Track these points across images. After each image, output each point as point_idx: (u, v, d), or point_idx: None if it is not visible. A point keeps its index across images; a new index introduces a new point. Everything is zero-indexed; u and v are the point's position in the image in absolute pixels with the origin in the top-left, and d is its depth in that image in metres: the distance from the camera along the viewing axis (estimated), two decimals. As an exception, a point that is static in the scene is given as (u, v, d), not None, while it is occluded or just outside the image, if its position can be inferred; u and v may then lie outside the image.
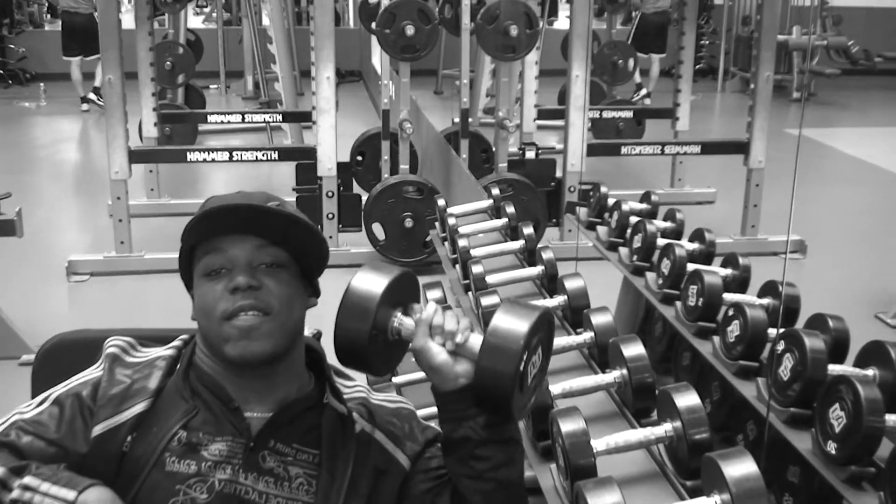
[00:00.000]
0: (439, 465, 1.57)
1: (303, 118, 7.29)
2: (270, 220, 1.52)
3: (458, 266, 2.90)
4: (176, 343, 1.62)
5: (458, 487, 1.50)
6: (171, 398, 1.52)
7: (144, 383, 1.53)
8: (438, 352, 1.43)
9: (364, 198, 5.63)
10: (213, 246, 1.52)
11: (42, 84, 11.99)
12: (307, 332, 1.66)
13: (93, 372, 1.55)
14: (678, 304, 2.69)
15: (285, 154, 5.96)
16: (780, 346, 2.09)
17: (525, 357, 1.36)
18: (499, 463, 1.46)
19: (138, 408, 1.49)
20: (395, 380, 2.29)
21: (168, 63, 8.15)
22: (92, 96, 10.73)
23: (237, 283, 1.49)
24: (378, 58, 6.97)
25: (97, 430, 1.48)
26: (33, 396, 1.55)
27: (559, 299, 2.43)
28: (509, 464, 1.47)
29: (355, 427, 1.57)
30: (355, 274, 1.43)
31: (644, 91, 10.71)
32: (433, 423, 1.65)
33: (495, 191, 3.36)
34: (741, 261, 2.86)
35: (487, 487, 1.47)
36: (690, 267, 2.76)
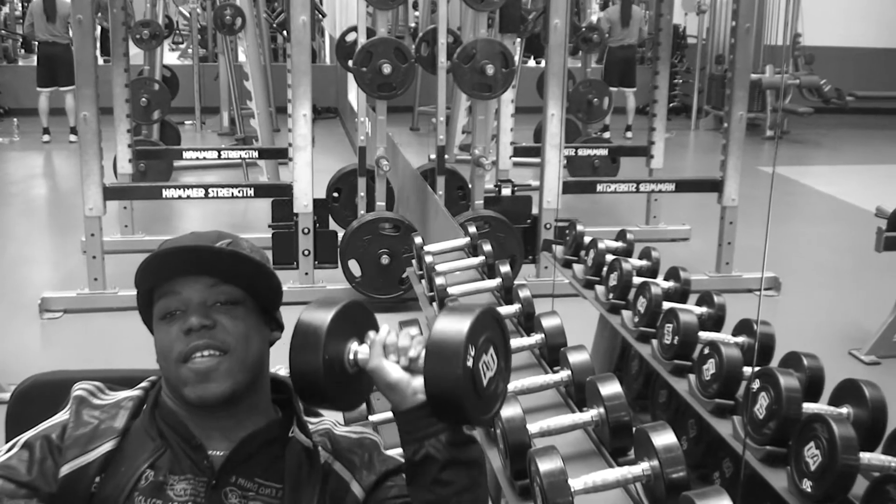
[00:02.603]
0: (398, 495, 1.56)
1: (279, 155, 7.30)
2: (218, 259, 1.54)
3: (435, 304, 2.91)
4: (143, 384, 1.63)
5: None
6: (139, 438, 1.53)
7: (111, 423, 1.53)
8: (393, 369, 1.44)
9: (340, 235, 5.63)
10: (167, 289, 1.53)
11: (15, 119, 11.96)
12: (283, 372, 1.66)
13: (61, 416, 1.56)
14: (654, 342, 2.70)
15: (261, 191, 5.96)
16: (756, 385, 2.10)
17: (471, 356, 1.36)
18: (463, 487, 1.45)
19: (106, 447, 1.50)
20: (372, 418, 2.29)
21: (143, 99, 8.15)
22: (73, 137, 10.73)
23: (190, 324, 1.50)
24: (354, 95, 7.00)
25: (65, 469, 1.48)
26: (8, 439, 1.55)
27: (536, 337, 2.44)
28: (474, 488, 1.46)
29: (320, 459, 1.57)
30: (305, 309, 1.45)
31: (609, 133, 10.82)
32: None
33: (472, 228, 3.37)
34: (716, 299, 2.89)
35: None
36: (666, 305, 2.78)
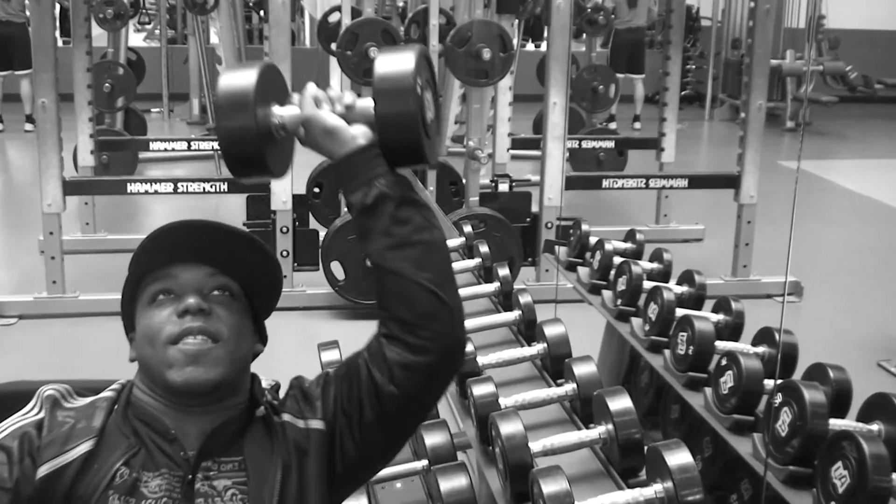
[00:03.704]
0: (341, 382, 1.60)
1: (255, 146, 7.27)
2: (224, 243, 1.60)
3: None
4: (114, 386, 1.65)
5: (383, 279, 1.52)
6: (113, 436, 1.56)
7: (88, 423, 1.56)
8: (329, 116, 1.53)
9: (322, 234, 5.63)
10: (162, 273, 1.58)
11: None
12: (265, 383, 1.69)
13: (32, 415, 1.58)
14: (666, 352, 2.71)
15: (235, 185, 5.93)
16: (778, 399, 2.11)
17: (420, 94, 1.47)
18: (420, 225, 1.51)
19: (84, 447, 1.53)
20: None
21: (107, 84, 8.13)
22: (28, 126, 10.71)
23: (187, 304, 1.54)
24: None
25: (42, 470, 1.50)
26: None
27: (538, 347, 2.45)
28: (431, 227, 1.53)
29: (274, 423, 1.61)
30: (220, 76, 1.52)
31: (615, 124, 10.84)
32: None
33: (467, 228, 3.38)
34: (734, 305, 2.89)
35: (415, 253, 1.50)
36: (679, 312, 2.79)
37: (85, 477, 1.50)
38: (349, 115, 1.52)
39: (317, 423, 1.60)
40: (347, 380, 1.59)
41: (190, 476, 1.52)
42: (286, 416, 1.62)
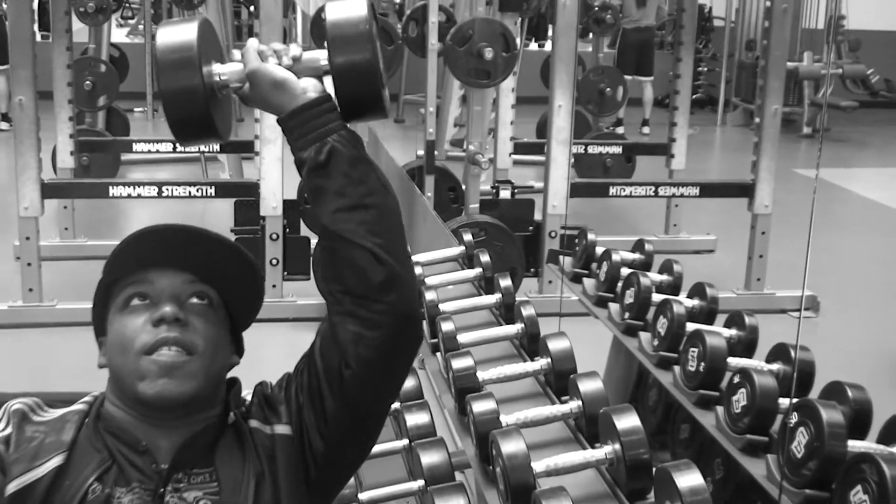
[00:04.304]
0: (293, 375, 1.63)
1: (243, 148, 7.29)
2: (205, 249, 1.60)
3: (425, 323, 2.91)
4: (86, 399, 1.66)
5: (333, 245, 1.52)
6: (85, 450, 1.56)
7: (58, 437, 1.57)
8: (276, 69, 1.53)
9: (313, 241, 5.63)
10: (138, 277, 1.59)
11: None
12: (246, 394, 1.69)
13: None
14: (676, 368, 2.71)
15: (223, 190, 5.95)
16: (794, 419, 2.11)
17: (375, 41, 1.49)
18: (374, 187, 1.52)
19: (54, 462, 1.53)
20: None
21: (88, 82, 8.13)
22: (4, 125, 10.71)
23: (163, 313, 1.54)
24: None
25: (11, 487, 1.51)
26: None
27: (541, 362, 2.45)
28: (385, 190, 1.54)
29: (245, 430, 1.62)
30: (156, 33, 1.54)
31: (623, 129, 10.85)
32: None
33: (467, 236, 3.38)
34: (748, 320, 2.89)
35: (369, 216, 1.50)
36: (690, 326, 2.79)
37: (56, 492, 1.51)
38: (297, 68, 1.53)
39: (282, 428, 1.61)
40: (305, 372, 1.60)
41: (161, 489, 1.52)
42: (254, 423, 1.63)
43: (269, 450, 1.59)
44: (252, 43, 1.55)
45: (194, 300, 1.59)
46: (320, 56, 1.52)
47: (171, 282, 1.58)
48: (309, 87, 1.53)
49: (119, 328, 1.57)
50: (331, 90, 1.53)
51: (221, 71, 1.54)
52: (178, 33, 1.49)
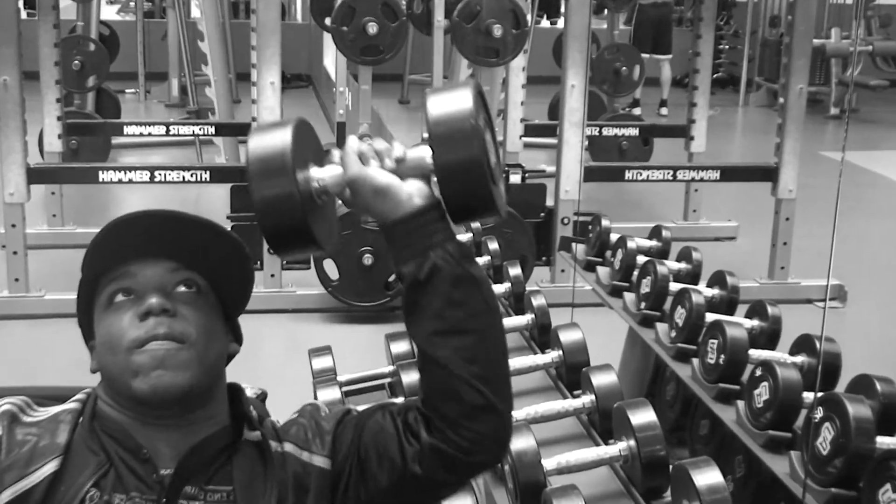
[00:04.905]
0: (357, 425, 1.59)
1: (240, 131, 7.29)
2: (185, 232, 1.57)
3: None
4: (78, 396, 1.64)
5: (428, 368, 1.49)
6: (81, 453, 1.54)
7: (51, 439, 1.55)
8: (379, 173, 1.46)
9: (314, 229, 5.62)
10: (119, 272, 1.56)
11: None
12: (250, 392, 1.69)
13: None
14: (695, 361, 2.71)
15: (218, 174, 5.95)
16: (818, 414, 2.11)
17: (483, 137, 1.42)
18: (476, 309, 1.47)
19: (49, 467, 1.51)
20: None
21: (76, 62, 8.13)
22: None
23: (149, 306, 1.52)
24: (332, 59, 7.00)
25: (5, 496, 1.50)
26: None
27: (553, 355, 2.45)
28: (488, 311, 1.49)
29: (272, 450, 1.60)
30: (249, 138, 1.47)
31: (640, 109, 10.83)
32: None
33: (474, 223, 3.38)
34: (770, 310, 2.89)
35: (467, 342, 1.47)
36: (709, 317, 2.79)
37: (52, 500, 1.49)
38: (401, 170, 1.46)
39: (321, 461, 1.59)
40: (373, 433, 1.57)
41: (164, 500, 1.50)
42: (289, 447, 1.60)
43: (301, 478, 1.57)
44: (351, 144, 1.48)
45: (181, 288, 1.56)
46: (426, 154, 1.45)
47: (153, 272, 1.56)
48: (414, 193, 1.46)
49: (106, 328, 1.56)
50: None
51: (320, 176, 1.48)
52: (271, 138, 1.45)
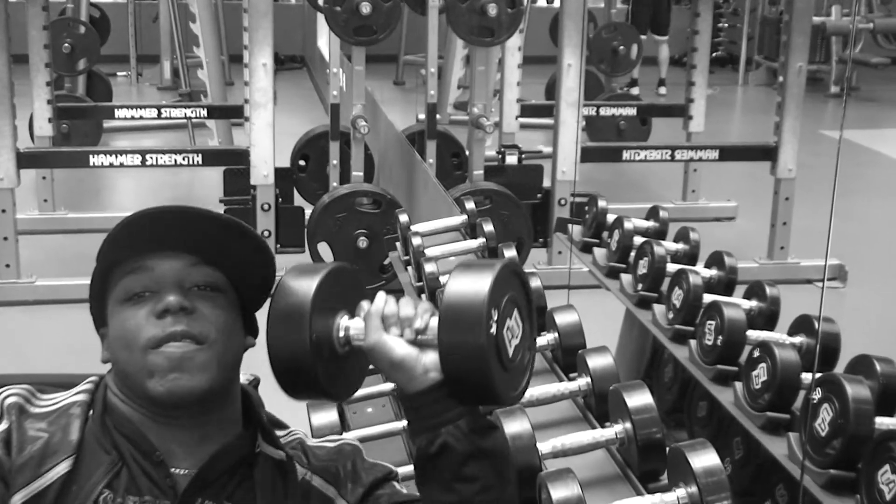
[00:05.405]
0: (393, 501, 1.59)
1: (232, 113, 7.28)
2: (208, 230, 1.55)
3: (424, 296, 2.91)
4: (85, 386, 1.62)
5: None
6: (93, 450, 1.53)
7: (63, 436, 1.53)
8: (397, 344, 1.44)
9: (308, 212, 5.63)
10: (136, 265, 1.54)
11: None
12: (242, 378, 1.67)
13: None
14: (693, 342, 2.71)
15: (211, 157, 5.95)
16: (817, 395, 2.11)
17: (495, 321, 1.37)
18: (489, 483, 1.45)
19: (62, 467, 1.50)
20: (348, 434, 2.29)
21: (66, 44, 8.10)
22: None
23: (167, 303, 1.50)
24: (325, 40, 6.98)
25: (18, 498, 1.47)
26: None
27: (548, 337, 2.44)
28: (501, 484, 1.47)
29: (297, 474, 1.59)
30: (284, 276, 1.46)
31: (637, 89, 10.80)
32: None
33: (470, 204, 3.37)
34: (769, 291, 2.89)
35: None
36: (707, 298, 2.78)
37: (64, 500, 1.48)
38: (422, 341, 1.44)
39: None
40: None
41: None
42: (317, 480, 1.60)
43: None
44: (378, 304, 1.46)
45: (200, 285, 1.55)
46: None
47: (172, 266, 1.53)
48: (430, 367, 1.43)
49: (120, 322, 1.53)
50: None
51: (349, 325, 1.47)
52: (298, 285, 1.43)
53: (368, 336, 1.44)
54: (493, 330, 1.37)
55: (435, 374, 1.43)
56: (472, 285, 1.38)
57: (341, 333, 1.46)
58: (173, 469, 1.53)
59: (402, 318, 1.45)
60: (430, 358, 1.43)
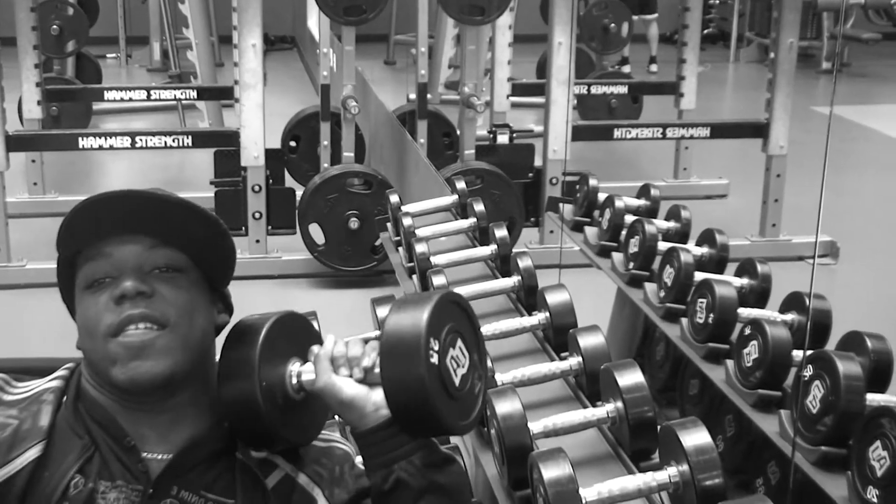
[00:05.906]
0: None
1: (222, 95, 7.25)
2: (162, 211, 1.55)
3: (415, 277, 2.91)
4: (61, 373, 1.63)
5: None
6: (65, 435, 1.53)
7: (33, 423, 1.53)
8: (346, 384, 1.47)
9: (299, 193, 5.62)
10: (95, 251, 1.54)
11: None
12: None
13: None
14: (684, 321, 2.71)
15: (200, 139, 5.93)
16: (808, 372, 2.11)
17: (435, 350, 1.39)
18: None
19: (32, 452, 1.50)
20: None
21: (55, 26, 8.06)
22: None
23: (124, 289, 1.50)
24: (315, 21, 6.96)
25: None
26: None
27: (539, 317, 2.44)
28: None
29: (277, 471, 1.59)
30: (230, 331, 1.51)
31: (629, 67, 10.77)
32: None
33: (461, 184, 3.36)
34: (760, 268, 2.89)
35: None
36: (698, 276, 2.79)
37: (36, 487, 1.48)
38: (371, 379, 1.47)
39: None
40: None
41: (151, 491, 1.50)
42: (301, 478, 1.60)
43: None
44: (327, 346, 1.50)
45: (161, 267, 1.54)
46: None
47: (131, 250, 1.53)
48: (381, 404, 1.46)
49: (83, 310, 1.54)
50: None
51: (301, 370, 1.51)
52: (247, 330, 1.49)
53: (318, 378, 1.48)
54: (435, 360, 1.38)
55: (385, 410, 1.45)
56: (408, 318, 1.40)
57: (294, 380, 1.50)
58: (146, 454, 1.53)
59: (350, 358, 1.48)
60: (380, 395, 1.45)
